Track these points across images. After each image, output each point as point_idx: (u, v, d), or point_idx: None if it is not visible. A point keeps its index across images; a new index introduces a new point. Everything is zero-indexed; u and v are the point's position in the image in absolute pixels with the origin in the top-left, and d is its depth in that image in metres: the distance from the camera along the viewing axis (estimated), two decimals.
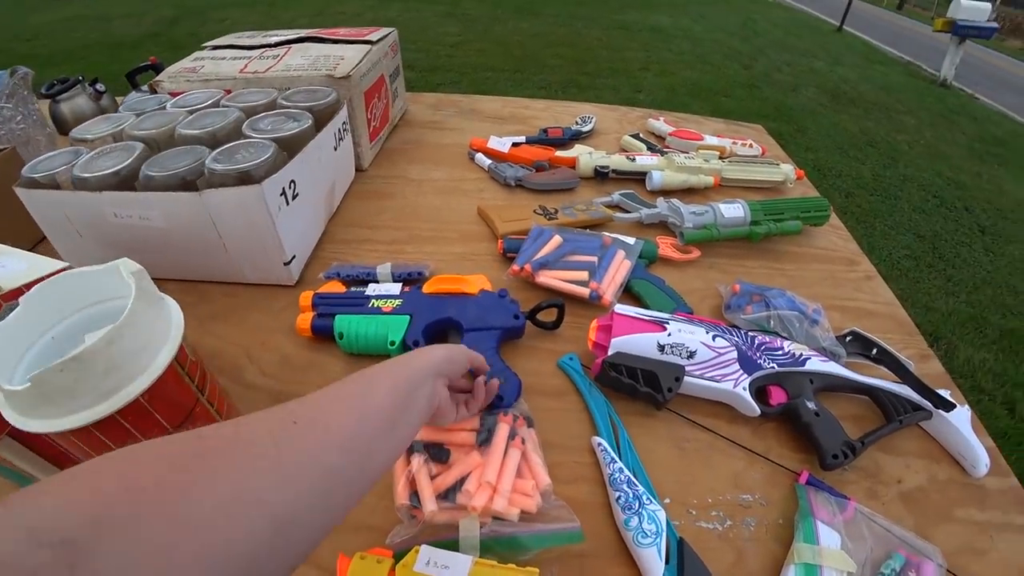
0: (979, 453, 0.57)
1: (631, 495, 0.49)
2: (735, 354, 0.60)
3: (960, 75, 5.90)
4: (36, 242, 0.79)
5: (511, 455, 0.48)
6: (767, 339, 0.63)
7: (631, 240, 0.76)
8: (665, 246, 0.79)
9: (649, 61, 4.94)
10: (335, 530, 0.47)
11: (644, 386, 0.56)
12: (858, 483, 0.56)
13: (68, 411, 0.35)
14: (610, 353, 0.58)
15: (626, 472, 0.51)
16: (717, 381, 0.58)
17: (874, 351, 0.66)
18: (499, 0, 6.82)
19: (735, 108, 3.97)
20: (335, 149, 0.81)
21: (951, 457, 0.59)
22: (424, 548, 0.43)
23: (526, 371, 0.62)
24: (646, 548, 0.46)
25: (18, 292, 0.42)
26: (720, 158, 1.01)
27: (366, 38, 1.00)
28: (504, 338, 0.62)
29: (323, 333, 0.62)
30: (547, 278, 0.69)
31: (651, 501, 0.49)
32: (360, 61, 0.91)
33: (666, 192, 0.94)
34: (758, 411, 0.58)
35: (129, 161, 0.68)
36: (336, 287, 0.67)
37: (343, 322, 0.61)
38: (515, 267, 0.70)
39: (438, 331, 0.63)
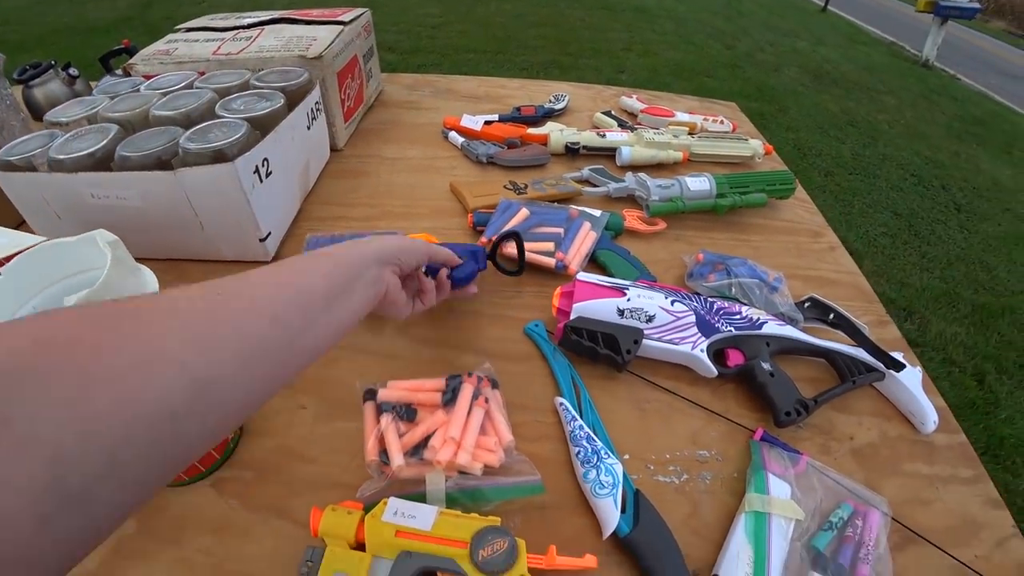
0: (928, 411, 0.61)
1: (589, 450, 0.52)
2: (693, 318, 0.63)
3: (942, 56, 5.95)
4: (16, 226, 0.80)
5: (475, 413, 0.51)
6: (725, 304, 0.65)
7: (597, 212, 0.78)
8: (632, 218, 0.82)
9: (632, 42, 4.93)
10: (309, 488, 0.50)
11: (604, 348, 0.59)
12: (811, 440, 0.59)
13: None
14: (572, 317, 0.60)
15: (586, 429, 0.54)
16: (675, 344, 0.61)
17: (831, 316, 0.69)
18: None
19: (717, 88, 3.99)
20: (308, 128, 0.83)
21: (902, 416, 0.63)
22: (392, 500, 0.45)
23: (493, 338, 0.65)
24: (603, 498, 0.48)
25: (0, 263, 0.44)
26: (690, 134, 1.03)
27: (339, 19, 1.01)
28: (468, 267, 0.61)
29: None
30: (514, 249, 0.71)
31: (609, 455, 0.51)
32: (332, 42, 0.92)
33: (635, 167, 0.96)
34: (715, 372, 0.61)
35: (104, 142, 0.69)
36: None
37: None
38: (483, 239, 0.72)
39: None
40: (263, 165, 0.69)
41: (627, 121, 1.10)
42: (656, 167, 0.98)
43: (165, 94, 0.79)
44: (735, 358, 0.63)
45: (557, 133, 0.98)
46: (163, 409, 0.24)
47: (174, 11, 5.17)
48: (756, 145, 1.03)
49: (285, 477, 0.52)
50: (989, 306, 2.32)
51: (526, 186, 0.85)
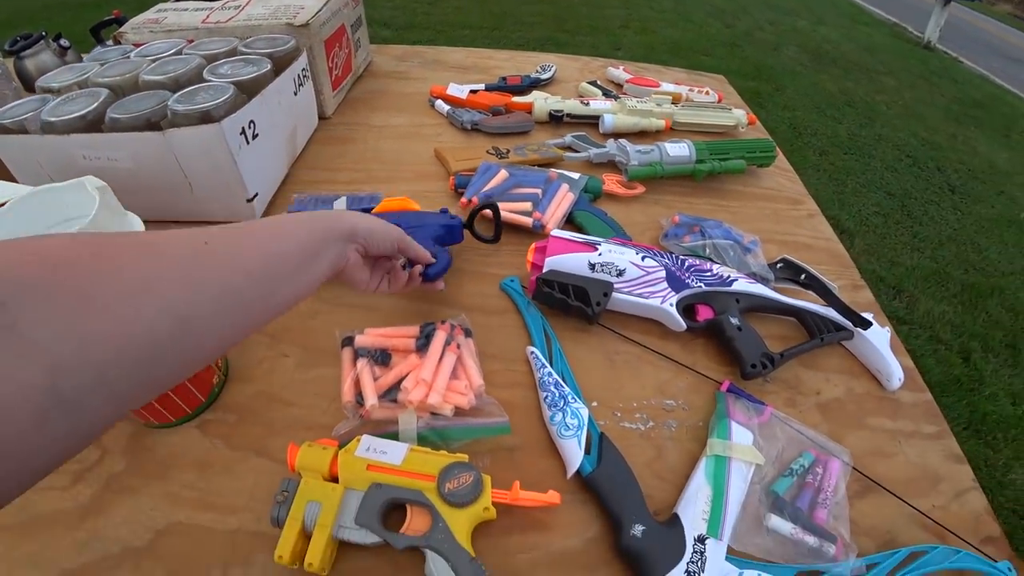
0: (894, 368, 0.62)
1: (557, 395, 0.54)
2: (663, 273, 0.64)
3: (945, 37, 5.90)
4: None
5: (447, 358, 0.53)
6: (697, 262, 0.67)
7: (575, 175, 0.80)
8: (611, 182, 0.83)
9: (629, 19, 4.89)
10: (287, 427, 0.53)
11: (575, 301, 0.61)
12: (778, 393, 0.62)
13: None
14: (544, 271, 0.62)
15: (554, 376, 0.56)
16: (645, 298, 0.63)
17: (803, 276, 0.71)
18: None
19: (714, 67, 3.93)
20: (295, 94, 0.84)
21: (870, 374, 0.65)
22: (365, 437, 0.48)
23: (471, 293, 0.67)
24: (568, 439, 0.51)
25: None
26: (674, 103, 1.05)
27: None
28: (443, 237, 0.64)
29: None
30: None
31: (575, 400, 0.54)
32: (320, 10, 0.93)
33: (618, 135, 0.97)
34: (684, 326, 0.63)
35: (95, 105, 0.70)
36: None
37: None
38: (463, 200, 0.74)
39: None
40: (249, 127, 0.70)
41: (612, 91, 1.11)
42: (639, 135, 0.99)
43: (154, 60, 0.81)
44: (704, 313, 0.65)
45: (541, 101, 0.99)
46: (149, 338, 0.26)
47: None
48: (739, 115, 1.04)
49: (266, 419, 0.55)
50: (978, 286, 2.33)
51: (508, 151, 0.87)
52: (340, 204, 0.73)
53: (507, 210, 0.73)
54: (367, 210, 0.73)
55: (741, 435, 0.54)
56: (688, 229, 0.77)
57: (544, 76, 1.13)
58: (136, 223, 0.46)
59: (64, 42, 1.29)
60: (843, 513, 0.50)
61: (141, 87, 0.76)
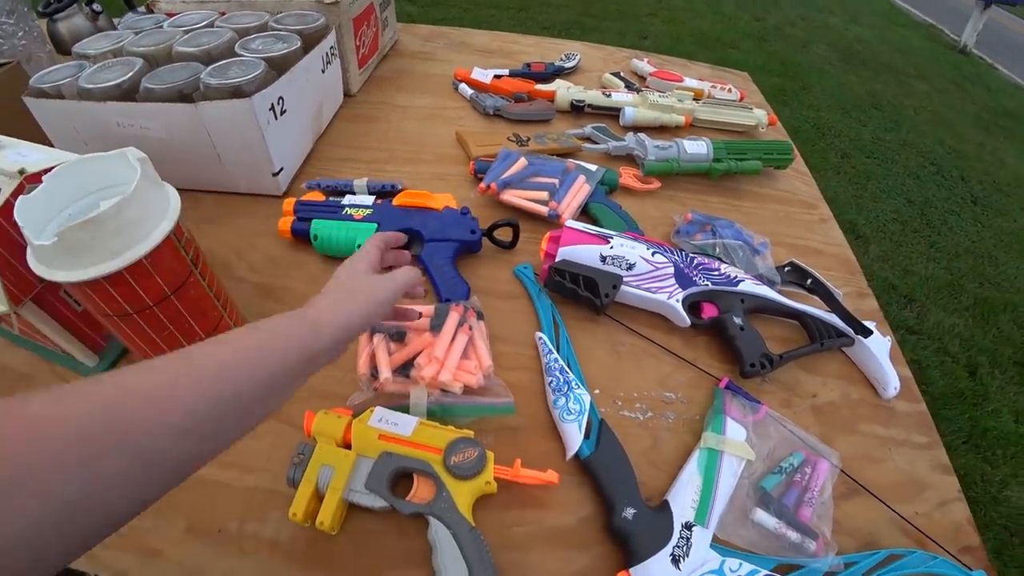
0: (891, 377, 0.64)
1: (561, 380, 0.57)
2: (672, 270, 0.67)
3: (982, 42, 5.77)
4: None
5: (459, 339, 0.56)
6: (705, 260, 0.70)
7: (593, 167, 0.82)
8: (627, 176, 0.86)
9: (658, 7, 4.84)
10: (305, 396, 0.56)
11: (584, 291, 0.63)
12: (775, 394, 0.64)
13: (85, 264, 0.42)
14: (557, 261, 0.65)
15: (560, 362, 0.59)
16: (653, 292, 0.66)
17: (808, 281, 0.73)
18: None
19: (740, 60, 3.92)
20: (323, 72, 0.86)
21: (867, 381, 0.67)
22: (378, 408, 0.51)
23: (484, 276, 0.70)
24: (569, 423, 0.54)
25: (38, 177, 0.49)
26: (695, 100, 1.06)
27: None
28: (462, 251, 0.69)
29: (301, 235, 0.70)
30: (510, 196, 0.75)
31: (579, 386, 0.56)
32: None
33: (638, 128, 0.99)
34: (688, 322, 0.65)
35: (130, 74, 0.73)
36: (317, 196, 0.74)
37: (318, 226, 0.68)
38: (482, 185, 0.76)
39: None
40: (278, 103, 0.73)
41: (635, 83, 1.12)
42: (658, 129, 1.01)
43: (188, 31, 0.83)
44: (709, 311, 0.67)
45: (564, 90, 1.01)
46: (20, 539, 0.23)
47: None
48: (760, 115, 1.06)
49: None
50: (991, 300, 2.32)
51: (528, 139, 0.89)
52: (360, 184, 0.76)
53: (524, 198, 0.75)
54: (386, 193, 0.76)
55: (735, 431, 0.56)
56: (700, 227, 0.79)
57: (568, 65, 1.15)
58: (172, 194, 0.49)
59: (96, 7, 1.32)
60: (827, 513, 0.52)
61: (174, 58, 0.79)
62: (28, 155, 0.52)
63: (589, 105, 1.01)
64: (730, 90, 1.16)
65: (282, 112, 0.74)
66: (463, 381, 0.54)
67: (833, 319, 0.68)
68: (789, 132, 1.13)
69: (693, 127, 1.04)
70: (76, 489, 0.24)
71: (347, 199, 0.72)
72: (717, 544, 0.49)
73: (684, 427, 0.59)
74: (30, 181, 0.48)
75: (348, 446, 0.50)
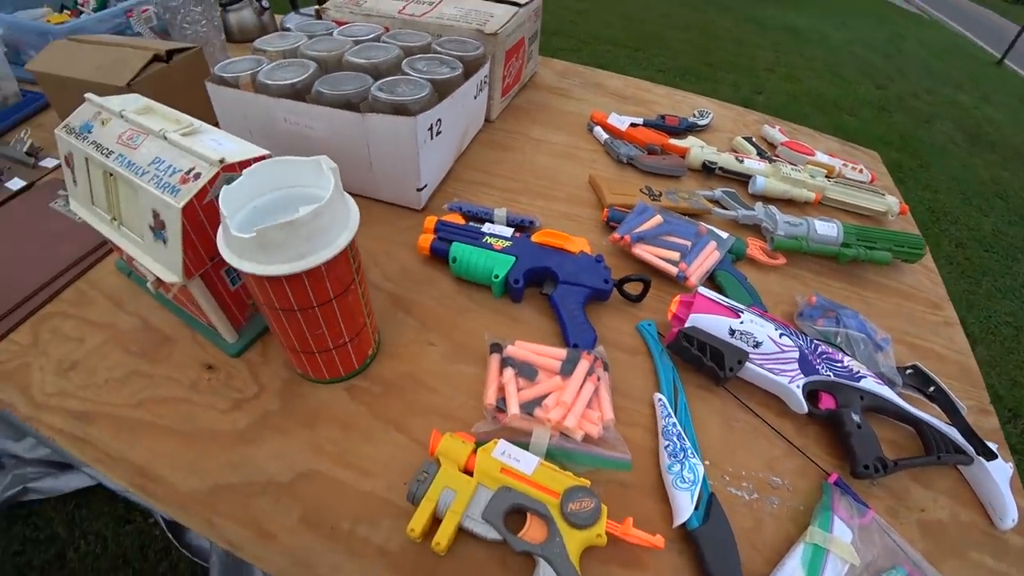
0: (1010, 507, 0.62)
1: (678, 446, 0.58)
2: (796, 354, 0.67)
3: None
4: None
5: (586, 387, 0.58)
6: (829, 350, 0.70)
7: (724, 234, 0.83)
8: (754, 247, 0.86)
9: (776, 63, 4.80)
10: (427, 413, 0.60)
11: (709, 361, 0.65)
12: (882, 499, 0.63)
13: (274, 261, 0.47)
14: (687, 325, 0.66)
15: (678, 427, 0.60)
16: (775, 374, 0.66)
17: (931, 388, 0.72)
18: None
19: (858, 129, 3.84)
20: (474, 98, 0.92)
21: (981, 506, 0.64)
22: (502, 441, 0.54)
23: (608, 326, 0.72)
24: (682, 491, 0.55)
25: (232, 167, 0.54)
26: (827, 177, 1.06)
27: (515, 0, 1.09)
28: (592, 297, 0.71)
29: (439, 255, 0.74)
30: (642, 251, 0.78)
31: (694, 455, 0.58)
32: (508, 21, 1.00)
33: (766, 198, 0.99)
34: (806, 409, 0.65)
35: (304, 77, 0.80)
36: (456, 219, 0.78)
37: (458, 249, 0.72)
38: (616, 235, 0.79)
39: (536, 277, 0.73)
40: (436, 124, 0.78)
41: (766, 151, 1.13)
42: (787, 202, 1.01)
43: (357, 43, 0.90)
44: (827, 402, 0.67)
45: (697, 149, 1.03)
46: None
47: None
48: (892, 202, 1.04)
49: (409, 399, 0.62)
50: None
51: (660, 194, 0.91)
52: (500, 214, 0.80)
53: (655, 255, 0.77)
54: (523, 227, 0.80)
55: (842, 531, 0.56)
56: (823, 312, 0.79)
57: (701, 122, 1.16)
58: (353, 206, 0.54)
59: (264, 3, 1.44)
60: None
61: (344, 66, 0.85)
62: (224, 144, 0.57)
63: (720, 168, 1.02)
64: (861, 170, 1.15)
65: (437, 133, 0.79)
66: (585, 430, 0.56)
67: (953, 433, 0.67)
68: (916, 225, 1.11)
69: (821, 204, 1.04)
70: None
71: (487, 227, 0.76)
72: None
73: (787, 515, 0.59)
74: (226, 170, 0.53)
75: (468, 472, 0.53)
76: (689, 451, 0.58)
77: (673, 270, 0.76)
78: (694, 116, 1.19)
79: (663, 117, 1.14)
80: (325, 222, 0.48)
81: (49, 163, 1.05)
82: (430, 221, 0.77)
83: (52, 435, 0.61)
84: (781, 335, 0.68)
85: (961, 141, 4.34)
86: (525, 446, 0.55)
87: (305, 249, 0.47)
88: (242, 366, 0.67)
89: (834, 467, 0.64)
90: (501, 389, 0.58)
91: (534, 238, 0.75)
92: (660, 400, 0.63)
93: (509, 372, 0.59)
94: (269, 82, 0.79)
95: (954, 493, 0.65)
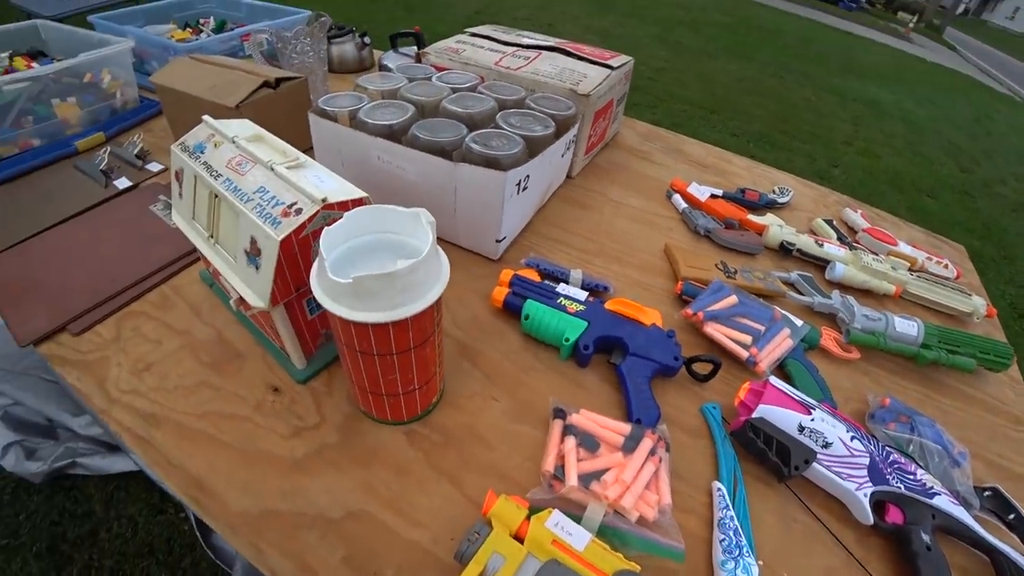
0: None
1: (734, 542, 0.56)
2: (867, 460, 0.64)
3: None
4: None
5: (647, 467, 0.57)
6: (902, 460, 0.66)
7: (799, 322, 0.81)
8: (828, 338, 0.84)
9: (854, 136, 4.70)
10: (483, 470, 0.59)
11: (775, 456, 0.63)
12: None
13: (364, 309, 0.48)
14: (754, 415, 0.65)
15: (735, 522, 0.58)
16: (842, 478, 0.63)
17: (1011, 516, 0.67)
18: (713, 35, 6.77)
19: (937, 212, 3.70)
20: (561, 156, 0.93)
21: None
22: (557, 512, 0.53)
23: (671, 404, 0.70)
24: None
25: (331, 205, 0.56)
26: (909, 270, 1.02)
27: (607, 62, 1.11)
28: (659, 372, 0.70)
29: (511, 309, 0.75)
30: (714, 330, 0.76)
31: (749, 554, 0.56)
32: (600, 83, 1.02)
33: (843, 287, 0.97)
34: (871, 520, 0.62)
35: (403, 119, 0.83)
36: (532, 275, 0.79)
37: (532, 307, 0.73)
38: (689, 311, 0.78)
39: (606, 345, 0.73)
40: (524, 180, 0.80)
41: (846, 236, 1.10)
42: (864, 293, 0.98)
43: (455, 90, 0.94)
44: (895, 516, 0.64)
45: (776, 228, 1.01)
46: None
47: None
48: (978, 303, 1.00)
49: (466, 452, 0.62)
50: None
51: (736, 271, 0.90)
52: (576, 276, 0.80)
53: (726, 336, 0.76)
54: (597, 291, 0.80)
55: None
56: (896, 416, 0.76)
57: (781, 200, 1.15)
58: (445, 262, 0.55)
59: (367, 39, 1.52)
60: None
61: (441, 112, 0.88)
62: (326, 181, 0.60)
63: (798, 250, 1.00)
64: (946, 266, 1.11)
65: (524, 188, 0.81)
66: (641, 511, 0.55)
67: None
68: (1002, 330, 1.06)
69: (901, 298, 1.00)
70: None
71: (561, 287, 0.77)
72: None
73: None
74: (326, 208, 0.55)
75: (519, 538, 0.52)
76: (745, 548, 0.56)
77: (744, 354, 0.75)
78: (774, 193, 1.17)
79: (743, 191, 1.13)
80: (420, 276, 0.49)
81: (154, 167, 1.12)
82: (506, 274, 0.78)
83: (120, 431, 0.63)
84: (852, 438, 0.65)
85: None
86: (577, 519, 0.54)
87: (397, 300, 0.49)
88: (307, 393, 0.68)
89: None
90: (561, 457, 0.58)
91: (608, 305, 0.75)
92: (719, 490, 0.61)
93: (571, 441, 0.58)
94: (368, 120, 0.83)
95: None
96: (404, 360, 0.55)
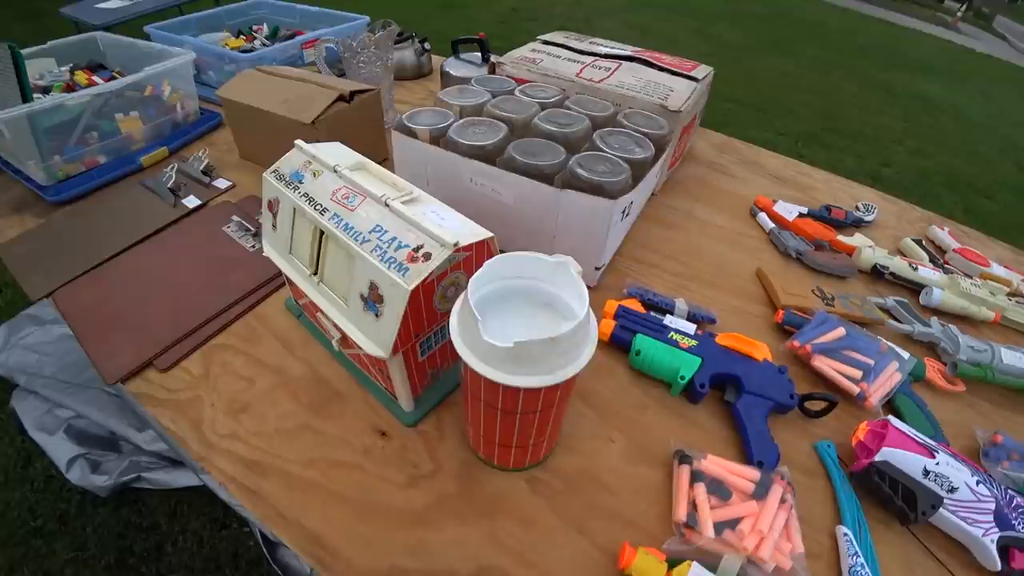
0: None
1: None
2: (993, 506, 0.64)
3: None
4: (380, 162, 0.99)
5: (780, 514, 0.58)
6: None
7: (905, 354, 0.80)
8: (933, 371, 0.83)
9: (905, 134, 4.59)
10: (609, 517, 0.60)
11: (900, 500, 0.63)
12: None
13: (520, 373, 0.46)
14: (877, 459, 0.65)
15: (866, 568, 0.59)
16: (968, 523, 0.64)
17: None
18: (754, 29, 6.67)
19: (996, 214, 3.61)
20: (656, 177, 0.94)
21: None
22: (696, 565, 0.53)
23: (782, 441, 0.70)
24: None
25: (457, 248, 0.52)
26: (1009, 295, 1.01)
27: (691, 73, 1.11)
28: (773, 410, 0.71)
29: (619, 343, 0.75)
30: (823, 364, 0.76)
31: None
32: (688, 98, 1.02)
33: (939, 312, 0.96)
34: (999, 567, 0.62)
35: (496, 140, 0.83)
36: (635, 305, 0.79)
37: (643, 342, 0.73)
38: (796, 343, 0.78)
39: (721, 382, 0.73)
40: (628, 206, 0.80)
41: (937, 257, 1.10)
42: (961, 319, 0.97)
43: (543, 106, 0.94)
44: (1021, 561, 0.64)
45: (869, 250, 1.01)
46: None
47: None
48: None
49: (589, 498, 0.62)
50: None
51: (833, 298, 0.90)
52: (682, 307, 0.81)
53: (836, 370, 0.76)
54: (704, 322, 0.81)
55: None
56: (1008, 454, 0.76)
57: (867, 218, 1.14)
58: (593, 319, 0.51)
59: (427, 45, 1.54)
60: None
61: (532, 131, 0.88)
62: (447, 219, 0.57)
63: (891, 273, 0.99)
64: None
65: (625, 215, 0.81)
66: (776, 561, 0.55)
67: None
68: None
69: (1000, 325, 0.99)
70: None
71: (668, 319, 0.77)
72: None
73: None
74: (457, 251, 0.52)
75: None
76: None
77: (855, 389, 0.75)
78: (859, 210, 1.17)
79: (828, 208, 1.12)
80: (579, 336, 0.47)
81: (221, 183, 1.13)
82: (611, 306, 0.78)
83: (224, 482, 0.62)
84: (978, 483, 0.65)
85: None
86: (713, 569, 0.55)
87: (557, 363, 0.46)
88: (417, 438, 0.67)
89: None
90: (692, 504, 0.58)
91: (719, 341, 0.75)
92: (846, 535, 0.61)
93: (701, 488, 0.59)
94: (460, 140, 0.83)
95: None
96: (544, 417, 0.54)
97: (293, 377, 0.74)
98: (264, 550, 1.20)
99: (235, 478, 0.62)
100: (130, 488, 1.40)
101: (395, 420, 0.69)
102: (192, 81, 1.32)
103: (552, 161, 0.80)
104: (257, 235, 0.97)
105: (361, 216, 0.57)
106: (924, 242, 1.12)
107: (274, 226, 0.68)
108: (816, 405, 0.72)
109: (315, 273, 0.63)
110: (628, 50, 1.18)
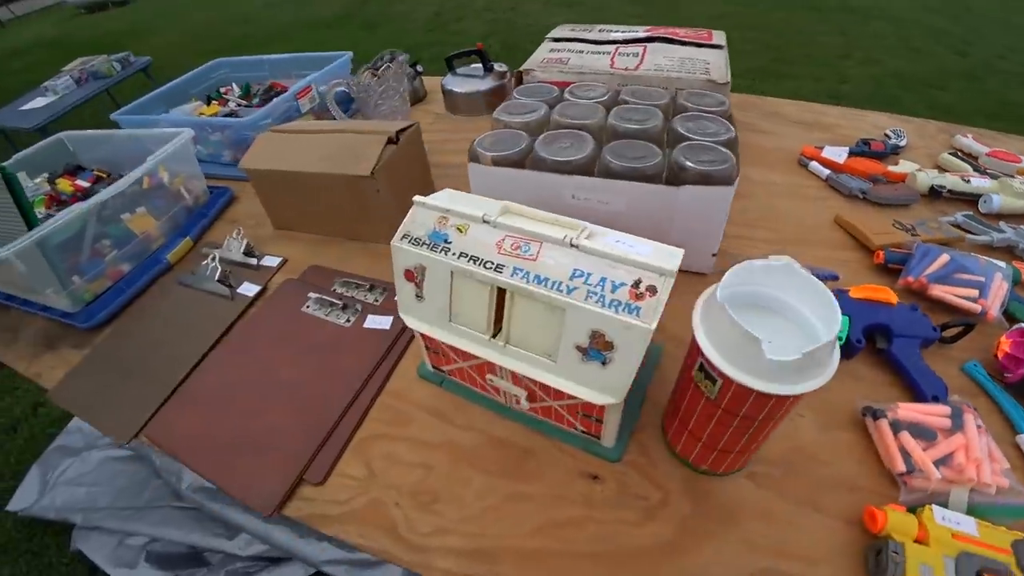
0: None
1: None
2: None
3: None
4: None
5: (982, 439, 0.64)
6: None
7: (1003, 264, 0.86)
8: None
9: (848, 48, 4.73)
10: (831, 487, 0.64)
11: None
12: None
13: (799, 381, 0.47)
14: None
15: None
16: None
17: None
18: None
19: (955, 105, 3.74)
20: None
21: None
22: (935, 507, 0.58)
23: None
24: None
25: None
26: None
27: (713, 42, 1.15)
28: (921, 346, 0.76)
29: None
30: (941, 292, 0.82)
31: None
32: (723, 66, 1.06)
33: (1002, 216, 1.03)
34: None
35: (589, 151, 0.84)
36: None
37: None
38: (910, 278, 0.84)
39: (871, 332, 0.78)
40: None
41: (977, 165, 1.16)
42: (1020, 218, 1.04)
43: (606, 106, 0.94)
44: None
45: (922, 174, 1.07)
46: None
47: (387, 7, 6.47)
48: None
49: (808, 475, 0.66)
50: None
51: (913, 227, 0.96)
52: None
53: (955, 295, 0.82)
54: (827, 280, 0.85)
55: None
56: None
57: (901, 143, 1.20)
58: None
59: (420, 67, 1.55)
60: None
61: (611, 134, 0.89)
62: (635, 245, 0.56)
63: (948, 190, 1.06)
64: None
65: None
66: (995, 482, 0.61)
67: None
68: None
69: None
70: None
71: None
72: None
73: None
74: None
75: (916, 542, 0.56)
76: None
77: (976, 308, 0.81)
78: (889, 137, 1.23)
79: (867, 143, 1.19)
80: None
81: (269, 261, 1.08)
82: None
83: None
84: None
85: None
86: (944, 505, 0.59)
87: (806, 375, 0.47)
88: (629, 470, 0.67)
89: None
90: (905, 453, 0.63)
91: (853, 294, 0.80)
92: None
93: (907, 436, 0.64)
94: (550, 157, 0.83)
95: None
96: (748, 422, 0.54)
97: (468, 448, 0.71)
98: None
99: (465, 574, 0.60)
100: None
101: (598, 460, 0.68)
102: (195, 162, 1.25)
103: (653, 160, 0.81)
104: (347, 308, 0.94)
105: (549, 264, 0.54)
106: (960, 153, 1.19)
107: (418, 296, 0.65)
108: (952, 331, 0.79)
109: (496, 337, 0.61)
110: (640, 31, 1.22)
